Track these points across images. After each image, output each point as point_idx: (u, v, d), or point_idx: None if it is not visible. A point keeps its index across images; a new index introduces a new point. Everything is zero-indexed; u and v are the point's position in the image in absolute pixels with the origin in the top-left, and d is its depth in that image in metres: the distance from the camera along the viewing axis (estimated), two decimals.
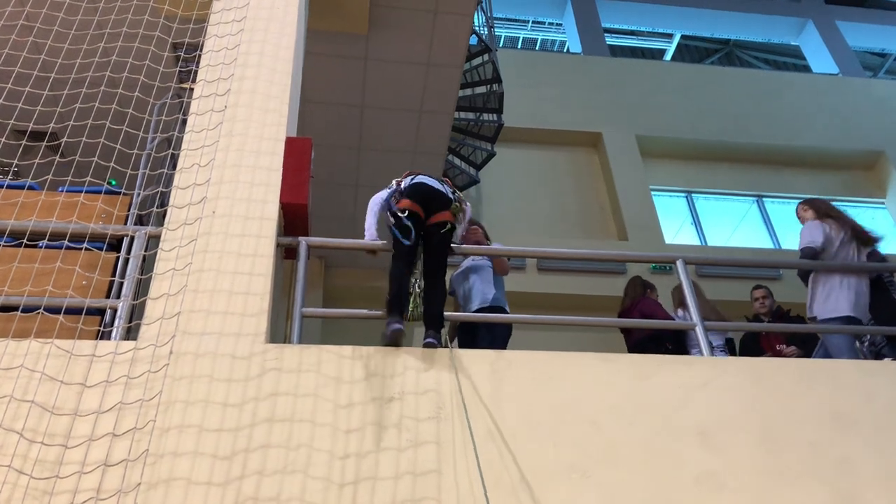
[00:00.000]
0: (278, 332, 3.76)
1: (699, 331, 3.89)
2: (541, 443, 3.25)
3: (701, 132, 12.19)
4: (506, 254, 5.10)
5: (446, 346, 3.65)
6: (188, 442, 3.02)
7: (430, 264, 3.84)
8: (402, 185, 4.07)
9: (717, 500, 3.17)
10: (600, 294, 9.27)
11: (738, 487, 3.22)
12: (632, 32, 16.05)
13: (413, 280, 3.80)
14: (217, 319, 3.39)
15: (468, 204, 4.37)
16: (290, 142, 4.08)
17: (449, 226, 3.91)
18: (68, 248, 3.76)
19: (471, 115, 10.03)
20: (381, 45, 6.84)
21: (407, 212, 3.82)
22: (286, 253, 4.08)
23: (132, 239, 3.77)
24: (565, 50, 15.36)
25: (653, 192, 11.45)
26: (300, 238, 3.86)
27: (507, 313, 4.89)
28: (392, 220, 3.87)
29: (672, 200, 11.94)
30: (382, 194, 4.14)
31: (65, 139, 4.27)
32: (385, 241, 3.96)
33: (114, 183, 4.35)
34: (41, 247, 3.86)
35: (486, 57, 9.35)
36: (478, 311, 4.71)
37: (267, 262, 3.60)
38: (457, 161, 10.20)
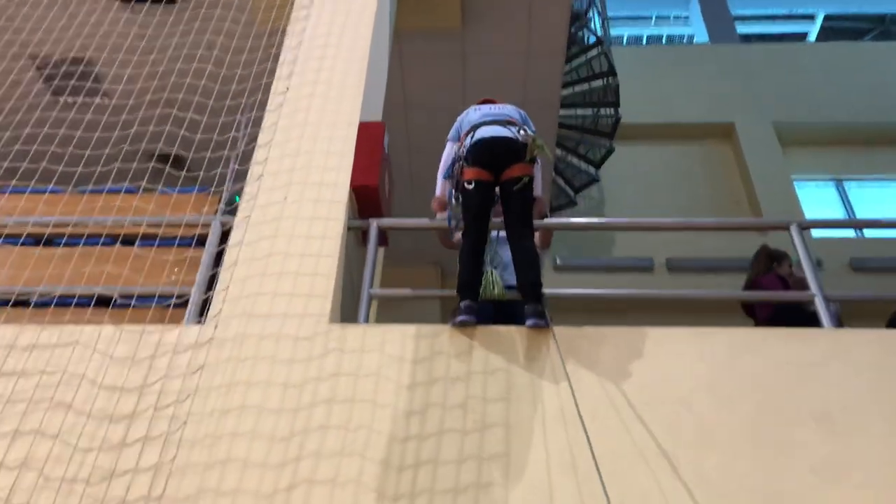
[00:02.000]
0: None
1: (819, 301, 3.37)
2: (626, 424, 2.89)
3: (852, 114, 11.06)
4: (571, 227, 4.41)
5: (547, 321, 3.15)
6: (247, 422, 2.95)
7: (511, 226, 3.39)
8: (465, 145, 3.52)
9: (837, 494, 2.68)
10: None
11: (864, 480, 2.70)
12: (767, 17, 14.97)
13: (487, 257, 3.54)
14: (283, 301, 3.32)
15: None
16: (363, 126, 4.01)
17: (525, 180, 3.36)
18: (161, 245, 3.89)
19: (588, 112, 9.69)
20: (476, 37, 6.71)
21: (473, 183, 3.40)
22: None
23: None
24: (693, 43, 14.57)
25: (795, 182, 10.49)
26: (371, 220, 3.74)
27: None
28: (457, 193, 3.54)
29: (818, 190, 10.88)
30: (449, 153, 3.72)
31: (190, 154, 4.33)
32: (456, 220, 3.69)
33: (238, 199, 4.42)
34: (138, 245, 4.02)
35: (598, 49, 9.01)
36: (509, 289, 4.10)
37: (334, 243, 3.51)
38: (574, 160, 9.86)
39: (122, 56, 5.61)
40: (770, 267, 4.91)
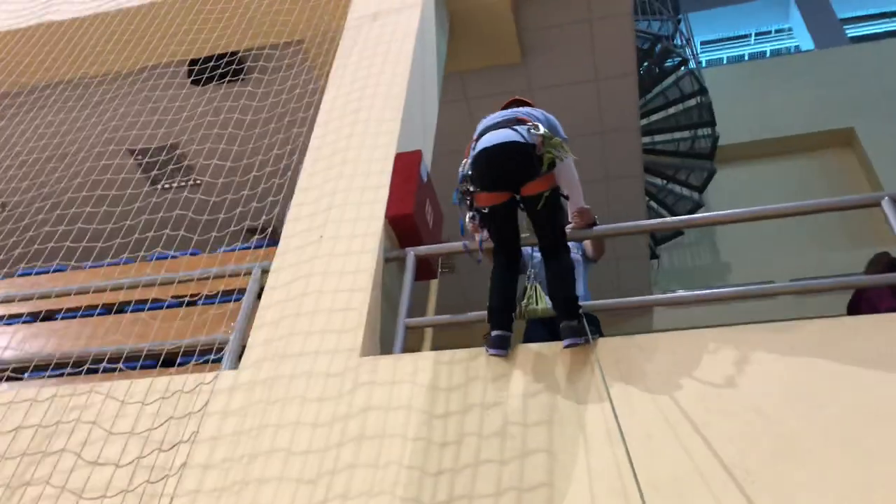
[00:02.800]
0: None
1: None
2: (685, 442, 2.48)
3: None
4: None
5: (588, 337, 2.78)
6: (275, 467, 2.79)
7: (543, 248, 3.00)
8: (469, 157, 3.01)
9: None
10: None
11: None
12: (877, 16, 13.85)
13: (531, 272, 3.23)
14: (315, 339, 3.18)
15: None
16: (398, 157, 3.90)
17: (546, 194, 2.86)
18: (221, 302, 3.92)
19: (685, 135, 9.20)
20: (540, 70, 6.53)
21: (488, 209, 2.93)
22: (420, 274, 3.78)
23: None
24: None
25: None
26: (407, 249, 3.56)
27: (595, 317, 3.53)
28: (472, 213, 3.07)
29: None
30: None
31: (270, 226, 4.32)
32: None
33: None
34: (198, 303, 4.08)
35: (684, 69, 8.60)
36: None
37: (367, 276, 3.35)
38: (675, 188, 9.33)
39: (203, 134, 5.85)
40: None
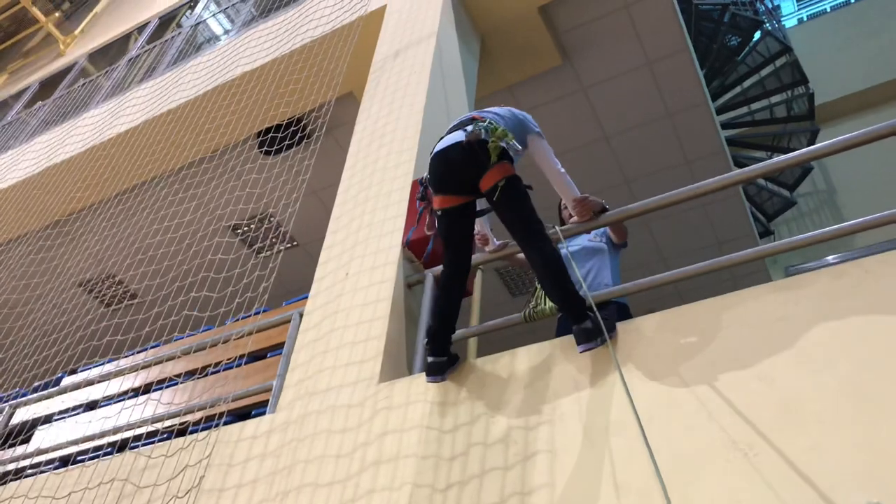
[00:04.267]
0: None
1: None
2: (688, 420, 2.31)
3: None
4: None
5: (604, 336, 2.59)
6: (304, 502, 2.88)
7: (514, 236, 2.86)
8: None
9: None
10: None
11: None
12: None
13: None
14: (339, 373, 3.28)
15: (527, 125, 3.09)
16: (414, 184, 3.96)
17: (501, 184, 2.73)
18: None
19: (779, 99, 8.63)
20: (588, 67, 6.39)
21: (440, 211, 2.90)
22: None
23: None
24: None
25: None
26: (426, 271, 3.59)
27: (628, 307, 3.41)
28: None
29: None
30: None
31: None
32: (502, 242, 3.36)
33: None
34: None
35: (760, 31, 8.10)
36: None
37: (386, 304, 3.42)
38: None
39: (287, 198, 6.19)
40: None
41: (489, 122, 2.82)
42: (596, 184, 7.32)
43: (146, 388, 4.89)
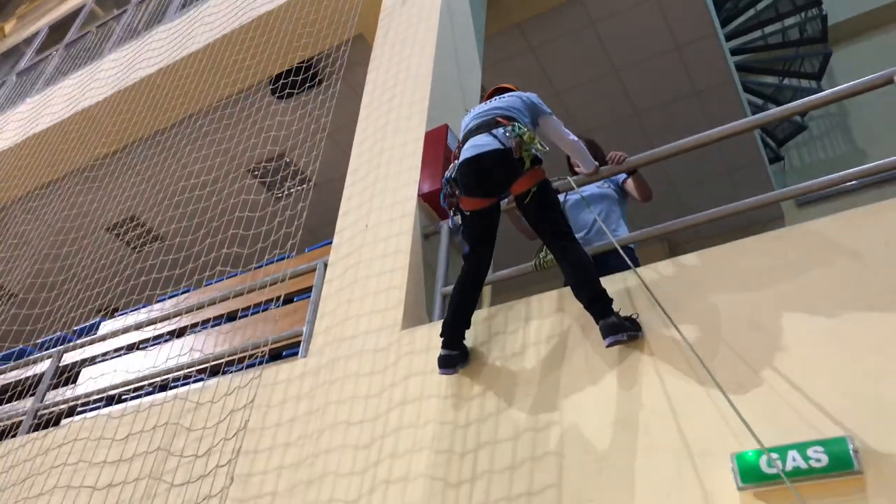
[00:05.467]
0: None
1: None
2: (685, 366, 2.56)
3: None
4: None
5: (634, 332, 2.66)
6: (338, 438, 3.19)
7: (546, 242, 3.02)
8: (453, 167, 3.05)
9: None
10: None
11: None
12: None
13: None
14: (364, 321, 3.54)
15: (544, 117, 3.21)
16: (427, 135, 4.12)
17: (533, 190, 2.89)
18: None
19: (791, 21, 8.53)
20: (596, 1, 6.39)
21: (469, 212, 3.02)
22: None
23: None
24: None
25: None
26: (441, 223, 3.81)
27: (630, 248, 3.53)
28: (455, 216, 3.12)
29: None
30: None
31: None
32: None
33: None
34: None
35: None
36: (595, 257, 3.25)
37: (405, 256, 3.64)
38: (790, 82, 8.68)
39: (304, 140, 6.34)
40: None
41: (519, 128, 2.90)
42: (606, 116, 7.42)
43: (181, 332, 5.23)
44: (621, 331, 2.61)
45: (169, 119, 7.34)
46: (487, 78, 5.39)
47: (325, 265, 4.07)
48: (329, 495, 3.03)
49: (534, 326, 3.01)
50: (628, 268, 2.97)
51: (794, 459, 2.12)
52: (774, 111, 3.48)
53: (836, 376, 2.25)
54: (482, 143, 2.94)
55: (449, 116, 4.45)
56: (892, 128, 8.20)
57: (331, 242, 4.61)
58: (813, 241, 2.60)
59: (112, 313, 7.32)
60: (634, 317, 2.69)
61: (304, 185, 8.48)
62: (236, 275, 5.20)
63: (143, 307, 5.74)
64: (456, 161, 3.05)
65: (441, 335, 3.02)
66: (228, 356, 4.02)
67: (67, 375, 5.31)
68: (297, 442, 3.30)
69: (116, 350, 5.31)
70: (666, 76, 6.98)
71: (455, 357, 2.98)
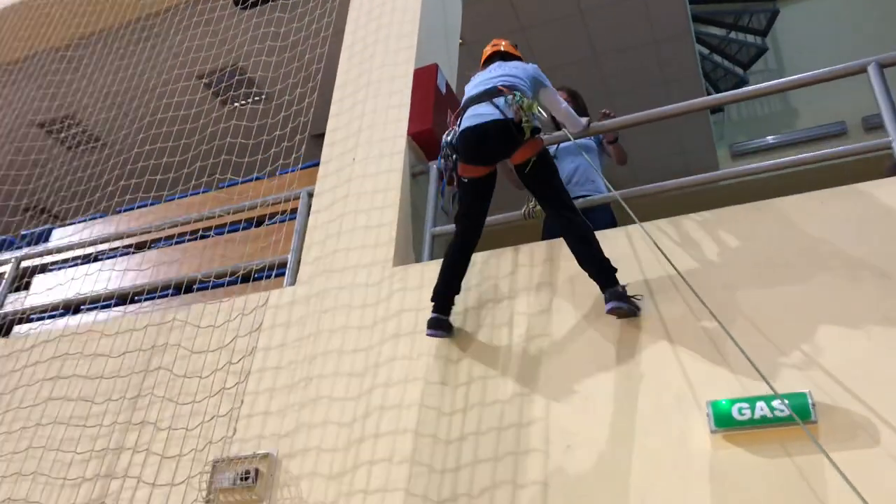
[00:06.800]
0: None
1: None
2: (661, 325, 2.86)
3: None
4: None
5: (634, 308, 2.84)
6: (331, 365, 3.39)
7: (544, 208, 3.15)
8: (453, 133, 3.12)
9: None
10: None
11: None
12: None
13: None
14: (355, 255, 3.69)
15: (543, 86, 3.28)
16: (416, 74, 4.19)
17: (532, 160, 2.99)
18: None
19: None
20: None
21: (468, 179, 3.11)
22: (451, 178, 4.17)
23: None
24: None
25: None
26: (430, 163, 3.94)
27: (612, 214, 3.78)
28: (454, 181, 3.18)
29: None
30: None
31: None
32: None
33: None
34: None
35: None
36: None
37: (395, 193, 3.78)
38: (737, 35, 9.01)
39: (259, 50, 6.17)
40: None
41: (520, 97, 2.97)
42: (567, 56, 7.57)
43: (140, 245, 5.22)
44: (624, 300, 2.78)
45: (118, 17, 7.01)
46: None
47: (310, 194, 4.15)
48: (323, 417, 3.25)
49: (524, 273, 3.25)
50: (606, 219, 3.25)
51: (761, 409, 2.47)
52: (747, 90, 3.72)
53: (800, 340, 2.60)
54: (483, 112, 3.01)
55: (436, 53, 4.52)
56: (822, 90, 8.69)
57: (310, 166, 4.68)
58: (783, 217, 2.91)
59: (52, 218, 7.15)
60: (638, 298, 2.84)
61: (257, 97, 8.32)
62: (209, 191, 5.20)
63: (101, 217, 5.66)
64: (455, 128, 3.11)
65: (432, 300, 3.09)
66: (204, 276, 4.10)
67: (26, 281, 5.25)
68: (288, 366, 3.48)
69: (80, 258, 5.25)
70: (627, 23, 7.16)
71: (445, 322, 3.09)
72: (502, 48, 3.41)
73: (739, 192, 3.52)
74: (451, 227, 4.21)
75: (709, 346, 2.71)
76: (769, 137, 8.68)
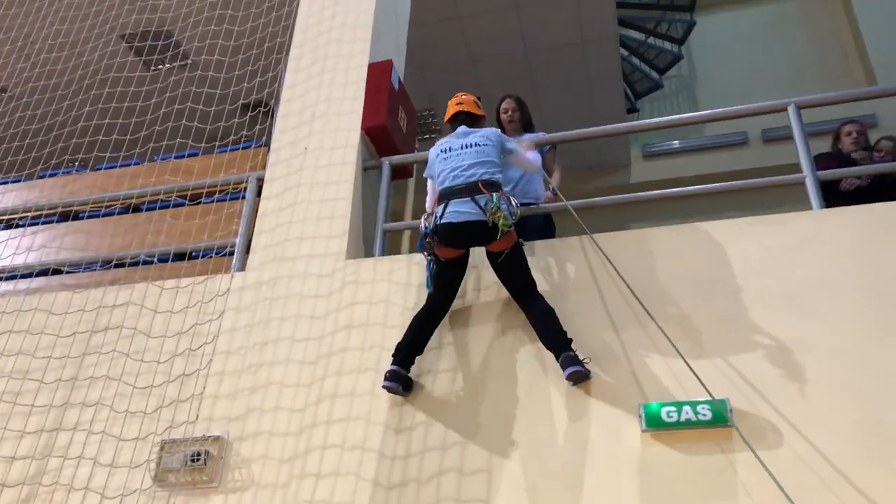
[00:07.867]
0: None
1: (809, 182, 3.36)
2: (596, 325, 3.16)
3: None
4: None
5: (587, 371, 2.99)
6: (282, 352, 3.50)
7: (515, 296, 3.28)
8: (434, 218, 3.22)
9: (809, 363, 2.84)
10: None
11: (829, 353, 2.83)
12: None
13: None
14: (307, 245, 3.79)
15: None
16: (371, 68, 4.28)
17: (505, 253, 3.19)
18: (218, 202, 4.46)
19: None
20: None
21: (444, 259, 3.25)
22: (395, 173, 4.32)
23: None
24: None
25: None
26: (383, 159, 4.08)
27: (550, 218, 4.08)
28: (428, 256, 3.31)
29: None
30: (431, 191, 3.49)
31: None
32: None
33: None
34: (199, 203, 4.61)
35: None
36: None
37: (348, 186, 3.89)
38: (655, 41, 9.48)
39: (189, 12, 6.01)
40: (837, 146, 4.51)
41: (496, 201, 3.11)
42: (498, 48, 7.79)
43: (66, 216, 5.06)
44: (579, 364, 2.96)
45: None
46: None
47: (258, 181, 4.19)
48: (275, 402, 3.37)
49: (474, 273, 3.47)
50: (545, 227, 3.56)
51: (686, 413, 2.80)
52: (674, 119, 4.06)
53: (722, 352, 2.96)
54: (465, 210, 3.15)
55: (388, 51, 4.62)
56: (730, 103, 9.33)
57: (250, 146, 4.69)
58: (709, 239, 3.26)
59: None
60: (586, 361, 3.01)
61: (182, 62, 8.07)
62: (140, 163, 5.10)
63: (21, 181, 5.43)
64: (436, 217, 3.20)
65: (394, 354, 3.17)
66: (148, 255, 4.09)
67: None
68: (238, 351, 3.56)
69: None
70: (558, 21, 7.44)
71: (404, 376, 3.16)
72: (465, 109, 3.52)
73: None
74: (404, 223, 4.40)
75: (643, 353, 3.02)
76: (675, 142, 9.26)
